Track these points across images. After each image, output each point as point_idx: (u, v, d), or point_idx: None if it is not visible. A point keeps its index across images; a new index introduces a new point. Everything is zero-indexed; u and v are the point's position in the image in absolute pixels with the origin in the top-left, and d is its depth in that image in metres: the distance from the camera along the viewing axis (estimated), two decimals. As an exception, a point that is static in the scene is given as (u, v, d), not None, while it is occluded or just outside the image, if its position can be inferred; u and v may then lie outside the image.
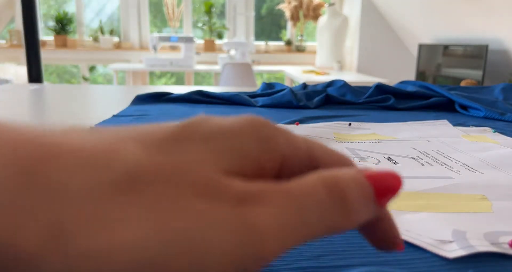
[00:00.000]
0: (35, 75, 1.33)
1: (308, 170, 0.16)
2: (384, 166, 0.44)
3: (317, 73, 3.23)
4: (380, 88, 0.88)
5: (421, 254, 0.25)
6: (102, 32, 4.04)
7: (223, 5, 4.26)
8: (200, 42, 4.15)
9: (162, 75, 4.66)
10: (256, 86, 3.20)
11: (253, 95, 0.92)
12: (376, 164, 0.45)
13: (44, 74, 1.38)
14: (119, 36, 4.15)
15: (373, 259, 0.24)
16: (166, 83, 4.68)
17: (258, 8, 4.35)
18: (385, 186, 0.15)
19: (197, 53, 3.75)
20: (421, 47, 3.03)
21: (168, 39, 3.48)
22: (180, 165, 0.13)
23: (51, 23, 3.99)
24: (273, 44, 4.32)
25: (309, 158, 0.17)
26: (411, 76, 3.51)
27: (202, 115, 0.15)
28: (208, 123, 0.15)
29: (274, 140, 0.16)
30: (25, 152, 0.11)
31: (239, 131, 0.15)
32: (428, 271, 0.23)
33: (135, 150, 0.13)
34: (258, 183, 0.14)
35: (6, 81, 3.19)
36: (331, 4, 3.66)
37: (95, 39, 4.03)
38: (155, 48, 3.51)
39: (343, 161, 0.18)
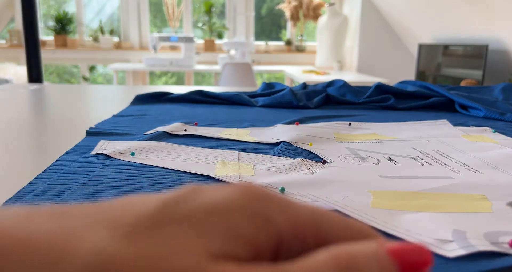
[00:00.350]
0: (35, 75, 1.32)
1: (316, 247, 0.14)
2: (384, 165, 0.44)
3: (317, 73, 3.23)
4: (380, 88, 0.88)
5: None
6: (102, 32, 4.04)
7: (223, 5, 4.25)
8: (200, 42, 4.15)
9: (162, 74, 4.66)
10: (256, 86, 3.20)
11: (253, 95, 0.92)
12: (376, 164, 0.45)
13: (44, 74, 1.38)
14: (119, 36, 4.15)
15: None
16: (166, 82, 4.68)
17: (258, 8, 4.35)
18: (412, 263, 0.13)
19: (197, 53, 3.75)
20: (421, 46, 3.03)
21: (168, 39, 3.48)
22: (160, 255, 0.11)
23: (51, 23, 3.99)
24: (273, 44, 4.32)
25: (316, 234, 0.14)
26: (411, 76, 3.50)
27: (189, 187, 0.14)
28: (195, 200, 0.13)
29: (270, 216, 0.14)
30: None
31: (230, 208, 0.13)
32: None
33: (102, 238, 0.11)
34: (253, 267, 0.12)
35: (6, 81, 3.19)
36: (331, 4, 3.66)
37: (95, 39, 4.03)
38: (155, 48, 3.51)
39: (362, 235, 0.15)
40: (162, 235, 0.12)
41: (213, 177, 0.39)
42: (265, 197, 0.14)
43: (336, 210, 0.31)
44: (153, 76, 4.59)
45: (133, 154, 0.45)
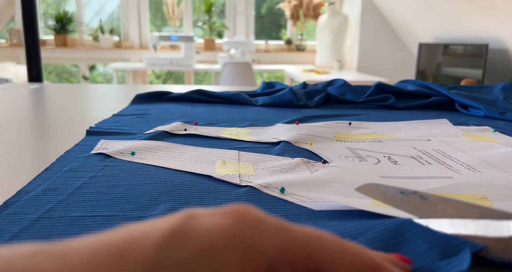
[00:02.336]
0: (35, 74, 1.32)
1: (308, 270, 0.15)
2: (384, 165, 0.44)
3: (317, 72, 3.23)
4: (380, 87, 0.88)
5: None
6: (102, 31, 4.04)
7: (223, 4, 4.25)
8: (200, 41, 4.14)
9: (159, 74, 4.65)
10: (256, 85, 3.20)
11: (253, 94, 0.92)
12: (376, 163, 0.45)
13: (44, 73, 1.38)
14: (119, 35, 4.15)
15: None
16: (158, 77, 4.67)
17: (258, 7, 4.35)
18: None
19: (197, 52, 3.75)
20: (421, 46, 3.03)
21: (168, 38, 3.48)
22: None
23: (51, 22, 3.99)
24: (273, 43, 4.32)
25: (307, 257, 0.15)
26: (411, 75, 3.50)
27: (184, 218, 0.14)
28: (190, 239, 0.14)
29: (260, 246, 0.14)
30: None
31: (222, 244, 0.14)
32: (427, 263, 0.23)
33: None
34: None
35: (6, 81, 3.19)
36: (331, 3, 3.66)
37: (95, 38, 4.02)
38: (155, 47, 3.51)
39: (356, 259, 0.15)
40: None
41: (213, 177, 0.39)
42: (256, 222, 0.15)
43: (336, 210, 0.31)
44: (153, 76, 4.59)
45: (133, 153, 0.45)
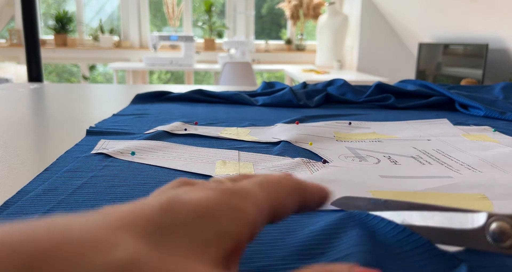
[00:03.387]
0: (35, 74, 1.32)
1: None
2: (384, 165, 0.44)
3: (317, 72, 3.23)
4: (380, 87, 0.88)
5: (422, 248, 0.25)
6: (102, 31, 4.04)
7: (223, 4, 4.25)
8: (200, 41, 4.14)
9: (160, 74, 4.65)
10: (256, 85, 3.20)
11: (253, 94, 0.92)
12: (376, 163, 0.45)
13: (44, 73, 1.38)
14: (119, 35, 4.15)
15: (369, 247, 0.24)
16: (159, 77, 4.67)
17: (258, 7, 4.35)
18: None
19: (197, 52, 3.75)
20: (421, 46, 3.03)
21: (168, 38, 3.48)
22: (172, 261, 0.14)
23: (51, 22, 3.99)
24: (273, 43, 4.32)
25: (274, 208, 0.19)
26: (411, 75, 3.50)
27: (177, 184, 0.16)
28: (186, 203, 0.16)
29: (245, 208, 0.17)
30: (20, 253, 0.12)
31: (214, 208, 0.16)
32: (426, 263, 0.23)
33: (129, 243, 0.13)
34: None
35: (6, 80, 3.19)
36: (331, 3, 3.66)
37: (95, 38, 4.02)
38: (155, 47, 3.51)
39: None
40: (169, 242, 0.14)
41: (213, 177, 0.39)
42: (234, 191, 0.18)
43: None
44: (153, 75, 4.59)
45: (133, 153, 0.45)
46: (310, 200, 0.22)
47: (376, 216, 0.26)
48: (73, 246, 0.12)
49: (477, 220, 0.23)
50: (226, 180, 0.22)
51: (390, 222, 0.25)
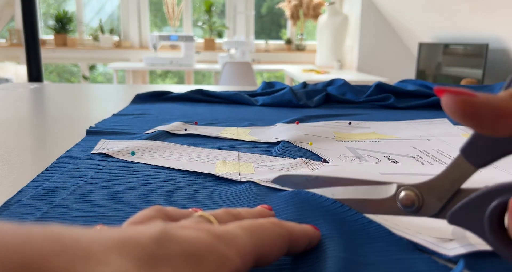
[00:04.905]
0: (35, 74, 1.32)
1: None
2: (384, 165, 0.44)
3: (317, 72, 3.23)
4: (380, 87, 0.88)
5: (420, 253, 0.25)
6: (102, 31, 4.04)
7: (223, 4, 4.25)
8: (200, 41, 4.14)
9: (163, 74, 4.65)
10: (256, 85, 3.20)
11: (253, 94, 0.92)
12: (376, 163, 0.45)
13: (44, 73, 1.38)
14: (119, 35, 4.15)
15: (371, 258, 0.24)
16: (167, 83, 4.67)
17: (258, 7, 4.34)
18: None
19: (197, 52, 3.75)
20: (421, 46, 3.03)
21: (168, 38, 3.48)
22: None
23: (51, 22, 3.99)
24: (273, 43, 4.32)
25: (256, 256, 0.20)
26: (411, 75, 3.50)
27: (165, 228, 0.17)
28: (177, 242, 0.17)
29: (228, 254, 0.18)
30: (17, 255, 0.12)
31: (201, 250, 0.17)
32: (428, 270, 0.23)
33: (120, 265, 0.14)
34: None
35: (6, 80, 3.19)
36: (331, 3, 3.66)
37: (95, 38, 4.02)
38: (155, 47, 3.51)
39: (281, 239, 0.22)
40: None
41: (213, 178, 0.39)
42: (219, 235, 0.19)
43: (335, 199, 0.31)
44: (156, 77, 4.59)
45: (133, 153, 0.45)
46: (297, 244, 0.23)
47: (314, 194, 0.32)
48: (67, 256, 0.13)
49: (390, 190, 0.28)
50: (214, 219, 0.22)
51: (322, 196, 0.31)
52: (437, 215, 0.26)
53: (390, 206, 0.28)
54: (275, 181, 0.36)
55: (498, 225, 0.23)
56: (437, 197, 0.26)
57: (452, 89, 0.20)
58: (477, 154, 0.24)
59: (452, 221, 0.25)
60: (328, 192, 0.31)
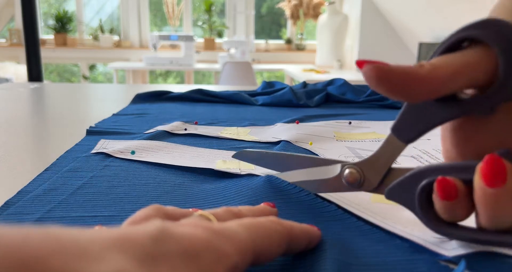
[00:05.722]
0: (35, 74, 1.32)
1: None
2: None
3: (317, 72, 3.23)
4: (380, 87, 0.88)
5: (420, 254, 0.25)
6: (102, 31, 4.04)
7: (223, 4, 4.25)
8: (200, 40, 4.14)
9: (165, 74, 4.65)
10: (256, 84, 3.20)
11: (253, 94, 0.92)
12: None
13: (45, 73, 1.38)
14: (119, 35, 4.15)
15: (372, 259, 0.24)
16: (169, 83, 4.67)
17: (258, 7, 4.34)
18: None
19: (197, 51, 3.75)
20: (421, 45, 3.03)
21: (168, 37, 3.48)
22: None
23: (51, 22, 3.98)
24: (273, 42, 4.32)
25: (254, 254, 0.20)
26: (411, 74, 3.49)
27: (162, 226, 0.17)
28: (175, 240, 0.17)
29: (226, 250, 0.18)
30: (16, 256, 0.12)
31: (199, 247, 0.17)
32: (429, 271, 0.23)
33: (119, 261, 0.14)
34: None
35: (6, 80, 3.18)
36: (331, 3, 3.66)
37: (95, 38, 4.02)
38: (155, 47, 3.50)
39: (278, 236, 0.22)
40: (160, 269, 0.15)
41: (213, 178, 0.39)
42: (217, 231, 0.19)
43: (337, 205, 0.31)
44: (153, 75, 4.59)
45: (133, 152, 0.45)
46: (296, 242, 0.23)
47: (277, 178, 0.34)
48: (65, 255, 0.13)
49: (336, 170, 0.31)
50: (214, 217, 0.22)
51: (283, 181, 0.34)
52: (376, 190, 0.29)
53: (337, 184, 0.31)
54: (235, 156, 0.38)
55: (427, 202, 0.25)
56: (375, 173, 0.29)
57: (370, 60, 0.22)
58: (404, 131, 0.26)
59: (389, 196, 0.27)
60: (286, 175, 0.34)
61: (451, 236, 0.25)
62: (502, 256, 0.24)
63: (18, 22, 3.89)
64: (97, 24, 4.07)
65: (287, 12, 4.03)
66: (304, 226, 0.24)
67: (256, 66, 3.66)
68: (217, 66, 3.60)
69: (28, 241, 0.13)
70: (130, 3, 4.06)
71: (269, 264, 0.23)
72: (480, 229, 0.24)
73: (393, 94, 0.22)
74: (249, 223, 0.21)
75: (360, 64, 0.22)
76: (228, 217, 0.23)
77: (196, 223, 0.19)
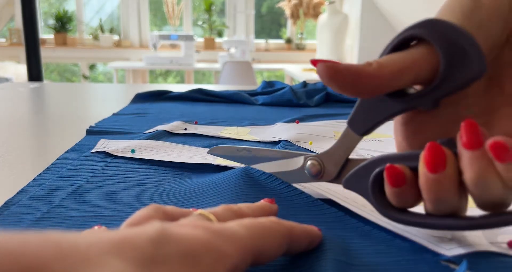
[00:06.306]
0: (35, 73, 1.32)
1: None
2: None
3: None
4: (380, 87, 0.88)
5: (420, 254, 0.25)
6: (102, 31, 4.04)
7: (223, 3, 4.25)
8: (200, 40, 4.14)
9: (165, 73, 4.65)
10: (256, 84, 3.20)
11: (253, 94, 0.92)
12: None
13: (45, 73, 1.38)
14: (119, 35, 4.15)
15: (372, 259, 0.24)
16: (170, 82, 4.67)
17: (258, 6, 4.34)
18: None
19: (197, 51, 3.75)
20: (421, 45, 3.02)
21: (168, 37, 3.48)
22: None
23: (51, 22, 3.98)
24: (273, 42, 4.32)
25: (254, 254, 0.20)
26: (411, 74, 3.49)
27: (162, 228, 0.17)
28: (175, 242, 0.17)
29: (226, 251, 0.18)
30: (16, 263, 0.12)
31: (199, 249, 0.17)
32: (429, 270, 0.23)
33: (118, 267, 0.14)
34: None
35: (6, 80, 3.18)
36: (331, 2, 3.66)
37: (95, 38, 4.02)
38: (155, 46, 3.50)
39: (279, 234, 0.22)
40: None
41: (213, 179, 0.39)
42: (218, 232, 0.19)
43: (336, 202, 0.31)
44: (153, 74, 4.59)
45: (133, 151, 0.45)
46: (297, 242, 0.23)
47: (257, 170, 0.35)
48: (65, 261, 0.13)
49: (299, 162, 0.33)
50: (213, 217, 0.22)
51: (259, 171, 0.35)
52: (335, 180, 0.31)
53: (301, 175, 0.33)
54: (210, 151, 0.39)
55: (379, 190, 0.27)
56: (334, 164, 0.31)
57: (323, 59, 0.24)
58: (359, 124, 0.28)
59: (346, 186, 0.29)
60: (262, 167, 0.36)
61: (400, 222, 0.26)
62: (502, 256, 0.25)
63: (18, 22, 3.89)
64: (97, 24, 4.07)
65: (287, 12, 4.03)
66: (305, 227, 0.24)
67: (256, 66, 3.66)
68: (217, 66, 3.60)
69: (27, 247, 0.13)
70: (130, 2, 4.05)
71: (269, 264, 0.23)
72: (427, 214, 0.25)
73: (344, 90, 0.24)
74: (250, 223, 0.21)
75: (314, 62, 0.24)
76: (228, 215, 0.23)
77: (195, 223, 0.19)
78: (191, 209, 0.24)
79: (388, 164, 0.25)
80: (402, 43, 0.25)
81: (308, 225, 0.25)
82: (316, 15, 3.95)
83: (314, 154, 0.32)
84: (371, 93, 0.24)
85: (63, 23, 3.91)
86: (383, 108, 0.27)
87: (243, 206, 0.25)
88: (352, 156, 0.31)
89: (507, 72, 0.25)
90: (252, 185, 0.34)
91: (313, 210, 0.31)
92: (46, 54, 3.77)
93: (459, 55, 0.23)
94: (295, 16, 4.02)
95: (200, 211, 0.23)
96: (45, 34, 4.07)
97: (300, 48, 4.23)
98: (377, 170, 0.26)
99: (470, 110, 0.26)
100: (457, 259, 0.24)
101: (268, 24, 4.49)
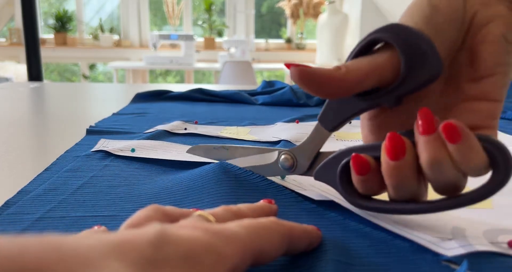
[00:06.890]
0: (35, 73, 1.32)
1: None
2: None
3: (317, 71, 3.22)
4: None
5: (421, 254, 0.25)
6: (102, 30, 4.04)
7: (223, 3, 4.25)
8: (200, 40, 4.14)
9: (164, 73, 4.65)
10: (256, 84, 3.19)
11: (253, 93, 0.92)
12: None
13: (45, 72, 1.38)
14: (119, 34, 4.15)
15: (372, 260, 0.24)
16: (169, 82, 4.67)
17: (258, 6, 4.34)
18: None
19: (197, 51, 3.75)
20: (421, 44, 3.03)
21: (168, 37, 3.47)
22: None
23: (51, 21, 3.98)
24: (273, 42, 4.32)
25: (254, 254, 0.20)
26: (411, 74, 3.49)
27: (162, 229, 0.17)
28: (174, 244, 0.17)
29: (226, 252, 0.18)
30: (16, 266, 0.12)
31: (199, 251, 0.17)
32: (430, 270, 0.23)
33: (116, 267, 0.14)
34: None
35: (6, 80, 3.18)
36: (331, 2, 3.65)
37: (95, 37, 4.02)
38: (155, 46, 3.50)
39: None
40: None
41: (213, 179, 0.39)
42: (217, 233, 0.19)
43: (336, 203, 0.31)
44: (154, 74, 4.59)
45: (133, 150, 0.45)
46: (297, 243, 0.23)
47: (234, 166, 0.36)
48: (66, 264, 0.13)
49: (274, 156, 0.35)
50: (213, 217, 0.22)
51: (235, 166, 0.36)
52: (307, 172, 0.33)
53: (276, 168, 0.35)
54: (189, 151, 0.40)
55: (346, 179, 0.28)
56: (305, 158, 0.33)
57: (296, 63, 0.26)
58: (328, 121, 0.30)
59: (316, 177, 0.31)
60: (238, 162, 0.37)
61: (366, 208, 0.28)
62: (502, 256, 0.25)
63: (18, 22, 3.89)
64: (97, 24, 4.07)
65: (287, 11, 4.03)
66: (305, 227, 0.24)
67: (256, 66, 3.66)
68: (217, 66, 3.60)
69: (27, 251, 0.13)
70: (130, 2, 4.05)
71: (269, 264, 0.23)
72: (390, 200, 0.27)
73: (314, 92, 0.26)
74: (249, 223, 0.21)
75: (287, 66, 0.26)
76: (228, 216, 0.23)
77: (195, 225, 0.19)
78: (191, 209, 0.24)
79: (354, 154, 0.27)
80: (368, 45, 0.27)
81: (308, 225, 0.25)
82: (316, 15, 3.95)
83: (287, 149, 0.34)
84: (339, 95, 0.27)
85: (63, 23, 3.91)
86: (350, 106, 0.29)
87: (242, 206, 0.25)
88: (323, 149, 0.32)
89: (463, 72, 0.27)
90: (239, 186, 0.35)
91: (314, 210, 0.31)
92: (46, 54, 3.77)
93: (419, 58, 0.25)
94: (295, 15, 4.02)
95: (199, 212, 0.22)
96: (45, 34, 4.07)
97: (300, 47, 4.23)
98: (344, 160, 0.28)
99: (430, 106, 0.27)
100: (457, 259, 0.24)
101: (268, 23, 4.49)
